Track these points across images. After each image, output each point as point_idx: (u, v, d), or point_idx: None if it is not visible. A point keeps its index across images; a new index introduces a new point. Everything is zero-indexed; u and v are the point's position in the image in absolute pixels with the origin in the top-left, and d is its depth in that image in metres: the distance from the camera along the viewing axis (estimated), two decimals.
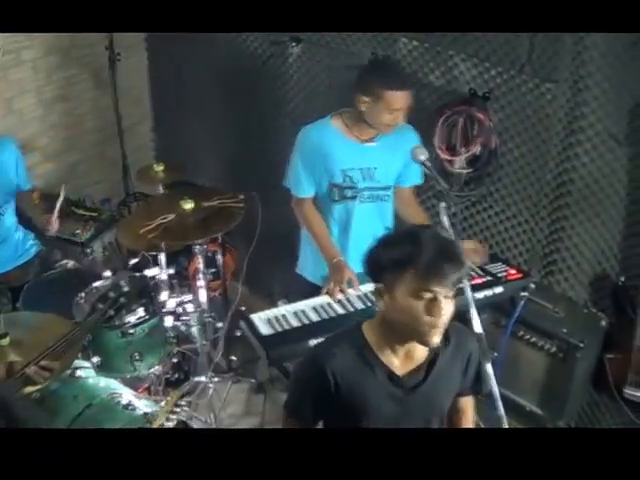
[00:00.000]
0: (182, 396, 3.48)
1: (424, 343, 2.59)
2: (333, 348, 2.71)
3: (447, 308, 2.50)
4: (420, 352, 2.69)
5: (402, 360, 2.68)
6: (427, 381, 2.70)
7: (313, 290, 3.85)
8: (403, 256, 2.47)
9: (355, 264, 3.94)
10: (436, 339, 2.55)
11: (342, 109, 3.87)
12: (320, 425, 2.84)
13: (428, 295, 2.47)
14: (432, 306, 2.48)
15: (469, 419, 3.05)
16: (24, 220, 4.54)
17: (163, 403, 3.44)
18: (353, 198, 3.91)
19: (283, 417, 2.87)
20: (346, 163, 3.84)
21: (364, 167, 3.86)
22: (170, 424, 3.29)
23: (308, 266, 4.14)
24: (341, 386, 2.64)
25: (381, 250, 2.58)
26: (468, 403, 3.02)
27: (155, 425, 3.25)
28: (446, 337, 2.69)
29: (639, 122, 3.63)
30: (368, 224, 3.95)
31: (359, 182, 3.88)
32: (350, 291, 3.64)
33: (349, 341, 2.70)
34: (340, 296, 3.61)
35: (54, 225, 4.40)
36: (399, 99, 3.63)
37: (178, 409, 3.36)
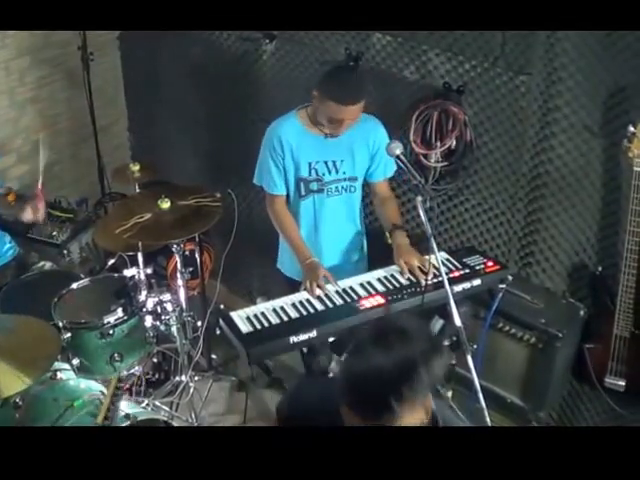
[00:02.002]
0: (119, 380, 3.46)
1: None
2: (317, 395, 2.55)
3: None
4: None
5: None
6: None
7: (291, 285, 3.86)
8: None
9: (328, 257, 3.97)
10: None
11: (307, 103, 3.87)
12: None
13: None
14: None
15: None
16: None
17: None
18: (320, 191, 3.93)
19: None
20: (312, 156, 3.87)
21: (329, 160, 3.89)
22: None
23: (285, 262, 4.17)
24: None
25: None
26: None
27: (101, 414, 3.24)
28: None
29: (613, 113, 3.64)
30: (336, 217, 4.00)
31: (325, 175, 3.90)
32: (328, 287, 3.64)
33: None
34: (319, 292, 3.61)
35: (40, 211, 4.41)
36: (338, 112, 3.63)
37: (118, 392, 3.37)
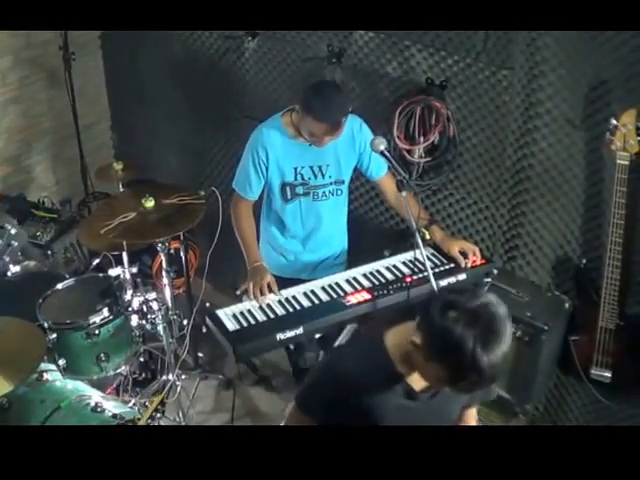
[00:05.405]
0: (162, 400, 3.49)
1: None
2: (353, 358, 2.60)
3: None
4: None
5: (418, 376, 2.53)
6: (439, 394, 2.60)
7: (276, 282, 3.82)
8: None
9: (310, 255, 3.99)
10: None
11: (293, 106, 3.83)
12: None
13: None
14: None
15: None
16: None
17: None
18: (306, 194, 3.92)
19: (293, 408, 2.75)
20: (297, 161, 3.85)
21: (315, 165, 3.87)
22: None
23: (265, 259, 4.12)
24: (357, 396, 2.52)
25: None
26: (471, 413, 2.95)
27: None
28: None
29: (595, 106, 3.66)
30: (323, 220, 4.00)
31: (311, 179, 3.89)
32: (271, 296, 3.59)
33: (370, 353, 2.57)
34: (261, 299, 3.56)
35: None
36: (316, 127, 3.61)
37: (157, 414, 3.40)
